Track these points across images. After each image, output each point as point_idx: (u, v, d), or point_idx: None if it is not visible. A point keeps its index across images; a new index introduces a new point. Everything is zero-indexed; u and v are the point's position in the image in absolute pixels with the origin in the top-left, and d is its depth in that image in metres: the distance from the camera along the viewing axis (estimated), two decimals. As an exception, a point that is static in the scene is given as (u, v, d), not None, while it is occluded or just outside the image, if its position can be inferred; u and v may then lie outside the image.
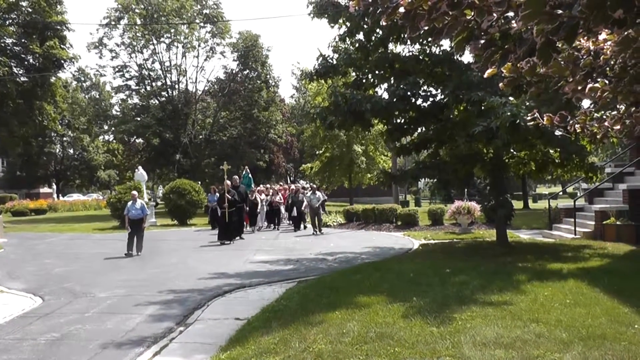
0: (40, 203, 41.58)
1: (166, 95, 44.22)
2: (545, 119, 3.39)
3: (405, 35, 12.89)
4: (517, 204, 27.29)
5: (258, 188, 23.70)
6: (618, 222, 14.38)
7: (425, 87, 13.83)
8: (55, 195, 58.17)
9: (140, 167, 28.00)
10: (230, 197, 17.41)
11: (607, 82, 3.05)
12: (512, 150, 13.12)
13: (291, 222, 22.63)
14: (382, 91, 14.78)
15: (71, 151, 63.75)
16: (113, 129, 49.19)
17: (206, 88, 47.18)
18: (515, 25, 2.33)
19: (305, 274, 11.02)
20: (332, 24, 13.55)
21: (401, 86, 13.05)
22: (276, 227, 22.55)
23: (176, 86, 44.82)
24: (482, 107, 12.31)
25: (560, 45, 2.44)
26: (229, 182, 18.08)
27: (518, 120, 10.43)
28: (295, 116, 61.62)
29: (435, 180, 14.75)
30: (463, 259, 12.00)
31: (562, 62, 2.76)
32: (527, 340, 5.65)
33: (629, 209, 14.69)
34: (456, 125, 12.99)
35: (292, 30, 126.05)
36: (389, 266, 11.24)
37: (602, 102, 3.06)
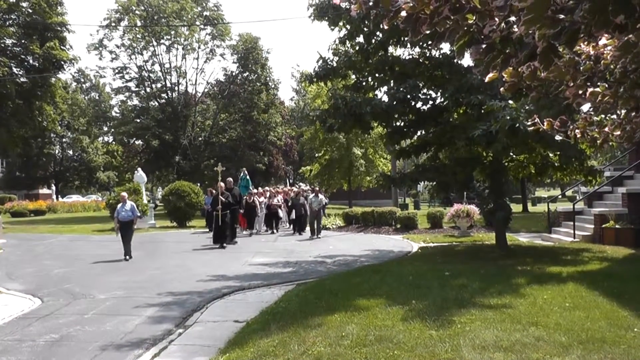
0: (39, 204, 41.51)
1: (166, 97, 44.26)
2: (545, 124, 3.40)
3: (406, 39, 12.92)
4: (517, 207, 27.33)
5: (256, 191, 23.42)
6: (617, 226, 14.39)
7: (425, 90, 13.84)
8: (54, 197, 58.10)
9: (139, 169, 28.00)
10: (223, 199, 17.06)
11: (607, 86, 3.06)
12: (511, 154, 13.13)
13: (291, 225, 22.50)
14: (381, 94, 14.82)
15: (70, 152, 63.70)
16: (112, 130, 49.27)
17: (206, 90, 47.30)
18: (517, 29, 2.34)
19: (304, 277, 11.02)
20: (333, 27, 13.58)
21: (401, 89, 13.06)
22: (275, 230, 22.15)
23: (176, 88, 44.88)
24: (482, 111, 12.33)
25: (561, 50, 2.45)
26: (222, 184, 17.71)
27: (518, 124, 10.45)
28: (294, 118, 61.68)
29: (434, 183, 14.75)
30: (462, 262, 12.00)
31: (562, 67, 2.76)
32: (526, 344, 5.65)
33: (628, 213, 14.70)
34: (456, 128, 13.01)
35: (292, 32, 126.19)
36: (388, 269, 11.25)
37: (602, 107, 3.07)
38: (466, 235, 18.61)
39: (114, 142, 59.57)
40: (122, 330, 7.08)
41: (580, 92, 3.05)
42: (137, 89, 44.67)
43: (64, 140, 61.46)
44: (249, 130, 44.71)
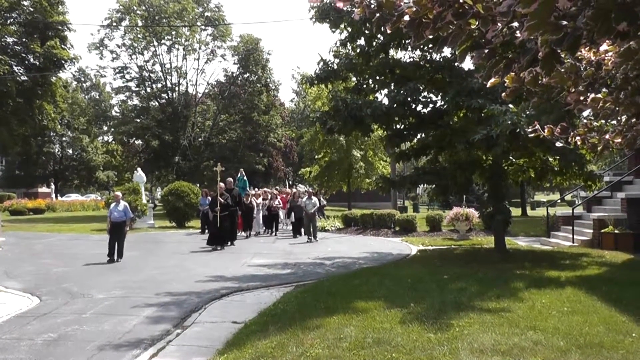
0: (38, 202, 41.48)
1: (166, 97, 44.27)
2: (546, 130, 3.41)
3: (407, 42, 12.94)
4: (516, 211, 27.33)
5: (253, 192, 23.08)
6: (616, 231, 14.40)
7: (425, 93, 13.87)
8: (53, 195, 58.05)
9: (139, 169, 27.99)
10: (223, 200, 16.72)
11: (608, 92, 3.07)
12: (511, 158, 13.15)
13: (291, 227, 22.27)
14: (382, 97, 14.83)
15: (70, 151, 63.74)
16: (112, 129, 49.23)
17: (206, 91, 47.28)
18: (519, 35, 2.35)
19: (303, 279, 11.01)
20: (334, 29, 13.61)
21: (401, 92, 13.08)
22: (274, 232, 21.76)
23: (176, 88, 44.89)
24: (482, 114, 12.35)
25: (563, 56, 2.46)
26: (222, 185, 17.24)
27: (518, 129, 10.47)
28: (294, 120, 61.70)
29: (434, 186, 14.77)
30: (461, 265, 12.00)
31: (564, 73, 2.77)
32: (524, 348, 5.65)
33: (627, 218, 14.72)
34: (456, 131, 13.03)
35: (293, 34, 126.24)
36: (387, 272, 11.25)
37: (603, 114, 3.08)
38: (465, 238, 18.63)
39: (113, 142, 59.47)
40: (120, 330, 7.08)
41: (581, 98, 3.06)
42: (137, 88, 44.68)
43: (63, 139, 61.50)
44: (249, 131, 44.72)
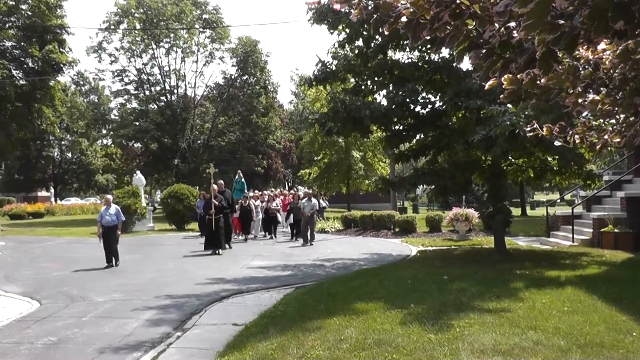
0: (38, 206, 41.47)
1: (165, 100, 44.28)
2: (544, 129, 3.41)
3: (405, 42, 12.95)
4: (515, 211, 27.28)
5: (252, 194, 22.74)
6: (616, 230, 14.39)
7: (423, 94, 13.86)
8: (53, 199, 58.05)
9: (138, 172, 28.00)
10: (217, 202, 16.30)
11: (606, 93, 3.07)
12: (510, 158, 13.15)
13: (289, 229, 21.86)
14: (381, 98, 14.84)
15: (69, 155, 63.68)
16: (111, 133, 49.19)
17: (205, 93, 47.29)
18: (516, 35, 2.35)
19: (303, 280, 11.01)
20: (332, 30, 13.60)
21: (400, 93, 13.07)
22: (272, 235, 21.20)
23: (175, 91, 44.91)
24: (481, 115, 12.36)
25: (560, 55, 2.46)
26: (215, 187, 16.86)
27: (517, 130, 10.47)
28: (293, 122, 61.70)
29: (433, 186, 14.76)
30: (461, 265, 12.00)
31: (562, 74, 2.77)
32: (525, 348, 5.65)
33: (627, 217, 14.71)
34: (454, 132, 13.03)
35: (291, 36, 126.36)
36: (387, 273, 11.24)
37: (601, 114, 3.08)
38: (465, 239, 18.63)
39: (112, 145, 59.52)
40: (121, 333, 7.07)
41: (579, 100, 3.06)
42: (136, 91, 44.66)
43: (62, 142, 61.44)
44: (248, 133, 44.75)
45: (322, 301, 8.29)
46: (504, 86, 2.79)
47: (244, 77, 45.14)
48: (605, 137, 3.60)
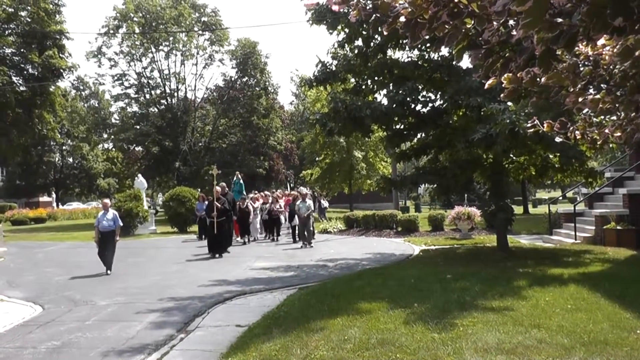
0: (39, 212, 41.50)
1: (165, 103, 44.33)
2: (545, 126, 3.41)
3: (404, 42, 12.95)
4: (517, 209, 27.28)
5: (251, 195, 22.39)
6: (618, 227, 14.38)
7: (424, 93, 13.86)
8: (54, 204, 58.11)
9: (139, 175, 28.03)
10: (219, 205, 15.97)
11: (606, 90, 3.07)
12: (511, 156, 13.14)
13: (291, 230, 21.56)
14: (381, 97, 14.83)
15: (70, 160, 63.71)
16: (112, 137, 49.21)
17: (205, 96, 47.36)
18: (515, 33, 2.35)
19: (306, 281, 11.00)
20: (331, 31, 13.61)
21: (400, 92, 13.07)
22: (275, 237, 20.58)
23: (175, 94, 44.95)
24: (481, 113, 12.36)
25: (560, 54, 2.46)
26: (218, 189, 16.44)
27: (517, 128, 10.46)
28: (294, 123, 61.72)
29: (435, 185, 14.75)
30: (464, 264, 11.99)
31: (562, 72, 2.77)
32: (528, 346, 5.64)
33: (629, 214, 14.69)
34: (455, 130, 13.03)
35: (290, 37, 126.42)
36: (390, 272, 11.23)
37: (601, 111, 3.08)
38: (467, 237, 18.61)
39: (113, 149, 59.47)
40: (124, 336, 7.07)
41: (580, 99, 3.05)
42: (136, 95, 44.74)
43: (63, 147, 61.49)
44: (249, 135, 44.77)
45: (325, 301, 8.29)
46: (503, 85, 2.79)
47: (244, 79, 45.17)
48: (606, 131, 3.60)
